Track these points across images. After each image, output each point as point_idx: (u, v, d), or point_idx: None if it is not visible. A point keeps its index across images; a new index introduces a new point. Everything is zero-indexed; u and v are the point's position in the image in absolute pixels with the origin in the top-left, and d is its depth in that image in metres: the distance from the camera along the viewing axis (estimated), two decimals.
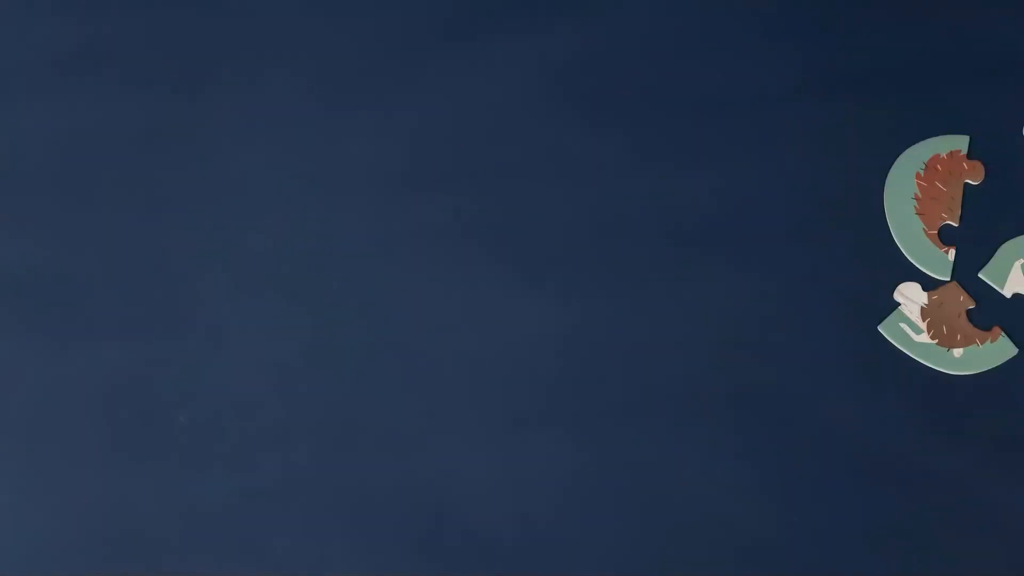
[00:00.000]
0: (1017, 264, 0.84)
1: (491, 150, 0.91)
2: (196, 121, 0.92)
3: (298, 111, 0.93)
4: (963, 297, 0.83)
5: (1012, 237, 0.85)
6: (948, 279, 0.84)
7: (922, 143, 0.87)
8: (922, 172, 0.86)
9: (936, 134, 0.89)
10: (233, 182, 0.90)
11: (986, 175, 0.86)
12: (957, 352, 0.81)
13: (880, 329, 0.82)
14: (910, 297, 0.83)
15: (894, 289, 0.84)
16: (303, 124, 0.92)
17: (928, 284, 0.84)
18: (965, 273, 0.84)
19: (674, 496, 0.78)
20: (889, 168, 0.87)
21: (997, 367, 0.82)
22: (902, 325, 0.82)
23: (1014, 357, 0.82)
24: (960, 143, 0.87)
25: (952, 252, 0.84)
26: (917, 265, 0.84)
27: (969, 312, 0.83)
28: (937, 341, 0.82)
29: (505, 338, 0.83)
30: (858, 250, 0.85)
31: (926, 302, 0.83)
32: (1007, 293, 0.83)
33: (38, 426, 0.80)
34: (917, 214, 0.85)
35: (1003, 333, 0.82)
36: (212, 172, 0.90)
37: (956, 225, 0.85)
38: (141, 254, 0.87)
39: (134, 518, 0.77)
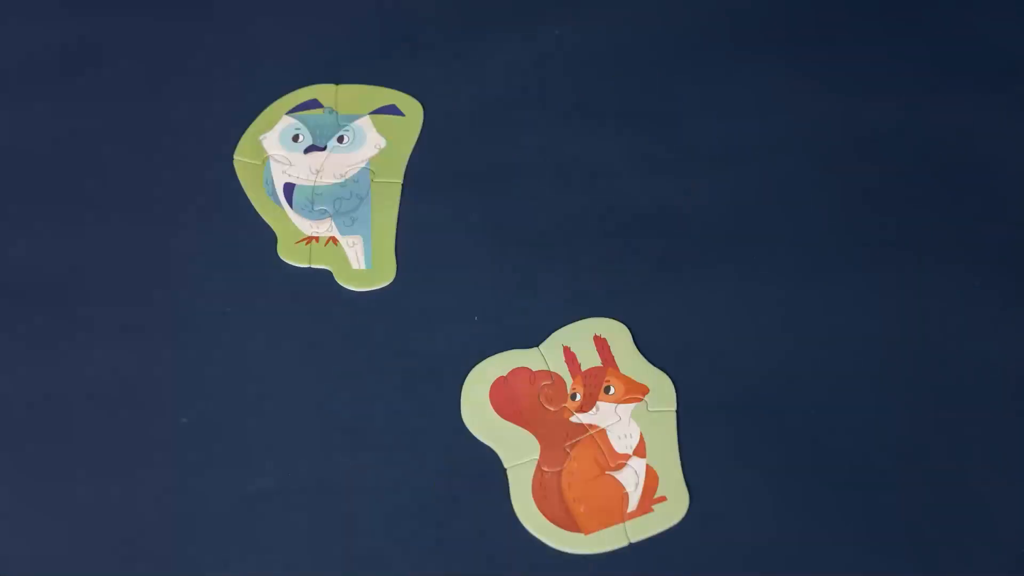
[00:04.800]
0: None
1: (492, 150, 0.91)
2: (195, 121, 0.93)
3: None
4: None
5: None
6: None
7: None
8: None
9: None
10: (233, 181, 0.90)
11: None
12: None
13: None
14: None
15: None
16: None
17: None
18: None
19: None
20: None
21: None
22: None
23: None
24: None
25: None
26: None
27: None
28: None
29: (507, 338, 0.83)
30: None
31: None
32: None
33: (38, 426, 0.80)
34: None
35: None
36: (211, 171, 0.90)
37: None
38: (141, 254, 0.87)
39: (134, 520, 0.77)
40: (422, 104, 0.93)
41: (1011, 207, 0.87)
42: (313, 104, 0.91)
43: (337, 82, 0.93)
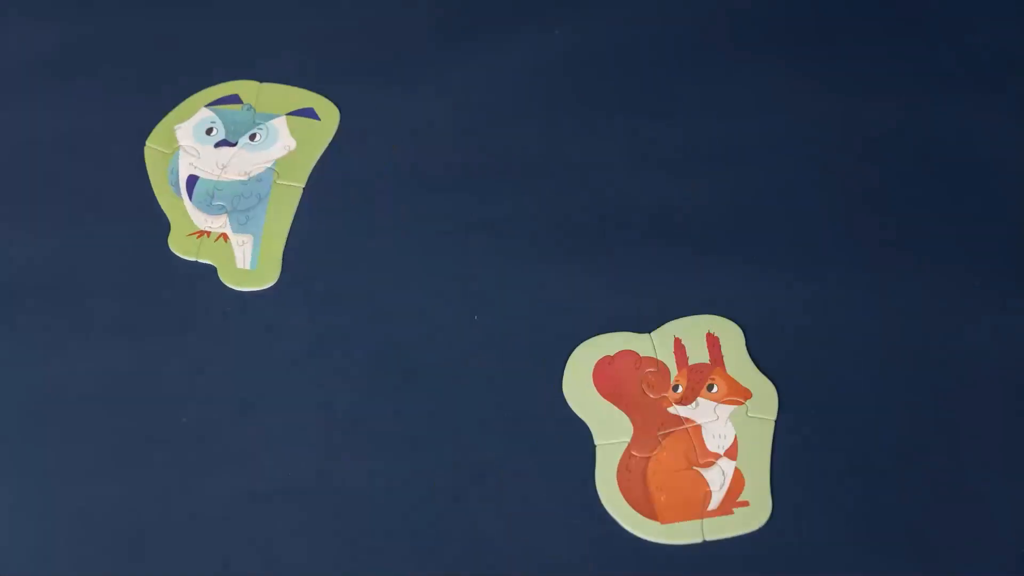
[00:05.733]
0: None
1: (491, 149, 0.91)
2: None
3: None
4: None
5: None
6: None
7: None
8: None
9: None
10: None
11: None
12: None
13: None
14: None
15: None
16: None
17: None
18: None
19: None
20: None
21: None
22: None
23: None
24: None
25: None
26: None
27: None
28: None
29: (508, 336, 0.83)
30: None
31: None
32: None
33: (38, 427, 0.80)
34: None
35: None
36: None
37: None
38: (141, 254, 0.87)
39: (134, 520, 0.77)
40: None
41: (1011, 207, 0.87)
42: (234, 99, 0.91)
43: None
